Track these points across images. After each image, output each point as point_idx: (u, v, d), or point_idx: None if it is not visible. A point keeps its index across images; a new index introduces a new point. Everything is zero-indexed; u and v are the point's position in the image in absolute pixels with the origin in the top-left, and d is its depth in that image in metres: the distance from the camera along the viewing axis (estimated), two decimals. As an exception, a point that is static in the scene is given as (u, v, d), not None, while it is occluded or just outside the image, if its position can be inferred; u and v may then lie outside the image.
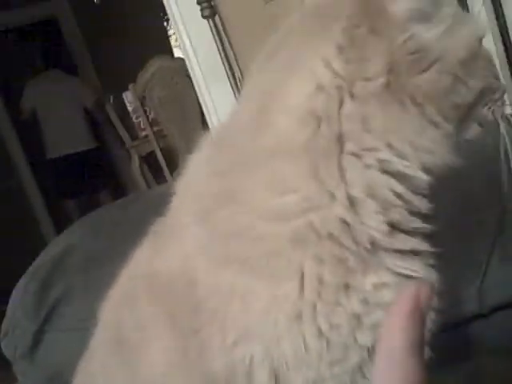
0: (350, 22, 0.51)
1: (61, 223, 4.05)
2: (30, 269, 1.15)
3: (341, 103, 0.50)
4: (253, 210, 0.52)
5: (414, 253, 0.52)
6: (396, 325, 0.40)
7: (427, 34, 0.51)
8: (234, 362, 0.53)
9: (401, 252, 0.52)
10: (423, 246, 0.53)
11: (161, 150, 3.88)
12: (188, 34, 2.01)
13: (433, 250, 0.53)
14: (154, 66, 3.75)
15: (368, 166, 0.50)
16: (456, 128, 0.53)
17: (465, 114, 0.53)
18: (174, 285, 0.58)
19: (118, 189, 5.37)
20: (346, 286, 0.51)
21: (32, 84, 4.80)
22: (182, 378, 0.58)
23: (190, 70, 2.09)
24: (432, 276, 0.53)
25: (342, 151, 0.50)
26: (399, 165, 0.50)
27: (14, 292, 1.13)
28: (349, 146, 0.50)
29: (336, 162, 0.50)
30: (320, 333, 0.51)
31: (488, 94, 0.54)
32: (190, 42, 2.02)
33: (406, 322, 0.39)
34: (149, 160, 4.27)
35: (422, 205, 0.52)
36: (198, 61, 2.03)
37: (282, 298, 0.51)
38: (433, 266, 0.53)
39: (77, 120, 4.93)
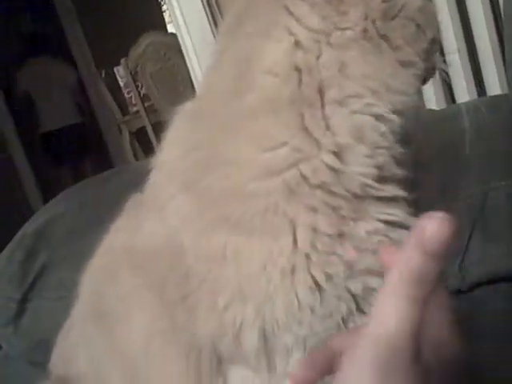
0: None
1: (49, 195, 4.05)
2: (15, 238, 1.15)
3: (319, 53, 0.52)
4: (241, 169, 0.53)
5: (396, 200, 0.54)
6: (396, 263, 0.39)
7: None
8: (223, 325, 0.54)
9: (386, 199, 0.53)
10: (402, 193, 0.54)
11: (152, 125, 3.87)
12: (181, 10, 2.00)
13: (410, 197, 0.55)
14: (147, 40, 3.73)
15: (354, 112, 0.52)
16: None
17: (426, 60, 0.56)
18: (159, 257, 0.58)
19: (108, 164, 5.35)
20: (341, 235, 0.52)
21: (23, 72, 4.94)
22: (168, 344, 0.58)
23: (182, 46, 2.08)
24: (413, 223, 0.54)
25: (324, 99, 0.52)
26: (380, 108, 0.52)
27: (-1, 260, 1.14)
28: (331, 94, 0.51)
29: (320, 110, 0.51)
30: (314, 285, 0.52)
31: (436, 43, 0.58)
32: (183, 17, 2.01)
33: (405, 260, 0.38)
34: (139, 135, 4.26)
35: (398, 149, 0.54)
36: (190, 36, 2.02)
37: (277, 253, 0.52)
38: (411, 214, 0.54)
39: (63, 98, 5.05)
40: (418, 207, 0.54)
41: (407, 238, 0.39)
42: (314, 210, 0.51)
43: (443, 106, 1.64)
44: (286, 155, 0.52)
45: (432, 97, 1.64)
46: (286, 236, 0.52)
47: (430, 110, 1.30)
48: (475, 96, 1.64)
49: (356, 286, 0.52)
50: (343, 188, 0.51)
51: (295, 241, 0.52)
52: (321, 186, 0.51)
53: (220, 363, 0.56)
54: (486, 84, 1.63)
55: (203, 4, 1.96)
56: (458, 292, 0.79)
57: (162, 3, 5.42)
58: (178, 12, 2.01)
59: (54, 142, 5.03)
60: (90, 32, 5.47)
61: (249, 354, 0.54)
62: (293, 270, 0.51)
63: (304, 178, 0.51)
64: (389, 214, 0.53)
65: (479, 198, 0.82)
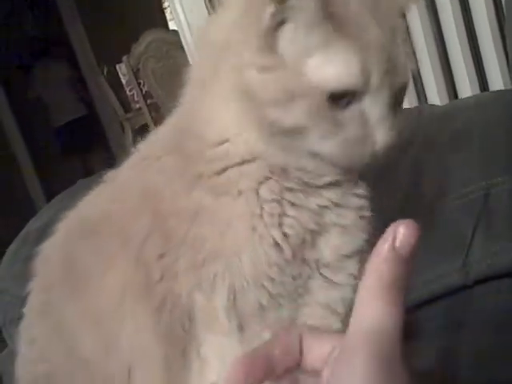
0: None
1: (50, 191, 4.06)
2: (20, 235, 1.16)
3: None
4: (204, 141, 0.60)
5: (338, 184, 0.59)
6: (370, 269, 0.42)
7: None
8: (199, 281, 0.57)
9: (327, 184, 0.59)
10: (342, 177, 0.59)
11: (154, 122, 3.87)
12: (182, 7, 2.00)
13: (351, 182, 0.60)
14: (149, 38, 3.73)
15: None
16: None
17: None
18: (137, 217, 0.61)
19: (111, 161, 5.35)
20: (291, 203, 0.58)
21: (34, 78, 5.25)
22: (139, 301, 0.60)
23: (183, 43, 2.08)
24: (356, 202, 0.60)
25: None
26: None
27: (3, 258, 1.14)
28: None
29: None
30: (274, 244, 0.57)
31: None
32: (184, 14, 2.01)
33: (379, 266, 0.41)
34: (142, 133, 4.26)
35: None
36: (191, 34, 2.02)
37: (238, 212, 0.57)
38: (356, 195, 0.61)
39: (67, 95, 5.30)
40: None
41: (379, 243, 0.42)
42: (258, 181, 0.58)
43: (446, 101, 1.64)
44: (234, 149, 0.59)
45: (435, 93, 1.64)
46: (242, 199, 0.57)
47: (433, 105, 1.30)
48: (478, 92, 1.64)
49: (314, 255, 0.58)
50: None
51: (248, 203, 0.57)
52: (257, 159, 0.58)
53: (193, 326, 0.58)
54: (488, 80, 1.63)
55: (205, 1, 1.96)
56: (462, 288, 0.79)
57: (163, 0, 5.42)
58: (179, 9, 2.01)
59: (64, 135, 5.28)
60: (92, 29, 5.47)
61: (220, 313, 0.57)
62: (254, 228, 0.57)
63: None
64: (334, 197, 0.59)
65: (482, 194, 0.82)
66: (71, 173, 4.86)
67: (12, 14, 5.18)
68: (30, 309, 0.74)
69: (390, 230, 0.42)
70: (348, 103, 0.53)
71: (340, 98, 0.53)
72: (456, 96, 1.67)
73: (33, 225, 1.17)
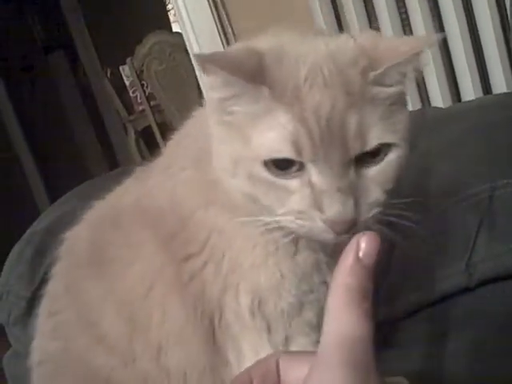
0: None
1: (54, 193, 4.08)
2: (25, 236, 1.16)
3: None
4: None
5: None
6: (337, 281, 0.45)
7: None
8: (226, 287, 0.62)
9: None
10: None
11: (157, 124, 3.87)
12: (186, 9, 2.01)
13: None
14: (152, 40, 3.74)
15: None
16: None
17: None
18: (165, 217, 0.66)
19: (114, 163, 5.36)
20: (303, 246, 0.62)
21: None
22: (170, 294, 0.66)
23: (187, 45, 2.09)
24: None
25: None
26: None
27: (8, 258, 1.14)
28: None
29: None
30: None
31: None
32: (188, 16, 2.01)
33: (346, 278, 0.44)
34: (145, 135, 4.26)
35: None
36: (195, 36, 2.03)
37: (253, 242, 0.62)
38: None
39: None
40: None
41: (343, 256, 0.46)
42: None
43: (449, 104, 1.64)
44: None
45: (438, 95, 1.64)
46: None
47: (436, 108, 1.31)
48: (481, 94, 1.64)
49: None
50: None
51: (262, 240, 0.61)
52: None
53: (226, 322, 0.64)
54: (491, 83, 1.64)
55: (209, 3, 1.97)
56: (465, 290, 0.80)
57: (167, 2, 5.42)
58: (183, 11, 2.02)
59: None
60: (96, 31, 5.47)
61: (247, 315, 0.62)
62: (268, 255, 0.61)
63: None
64: None
65: (486, 196, 0.82)
66: (74, 174, 4.87)
67: (17, 17, 5.19)
68: (54, 288, 0.79)
69: (352, 243, 0.45)
70: (297, 171, 0.53)
71: (287, 167, 0.53)
72: (459, 99, 1.68)
73: (37, 226, 1.17)
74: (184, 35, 2.09)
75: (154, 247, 0.66)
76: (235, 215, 0.59)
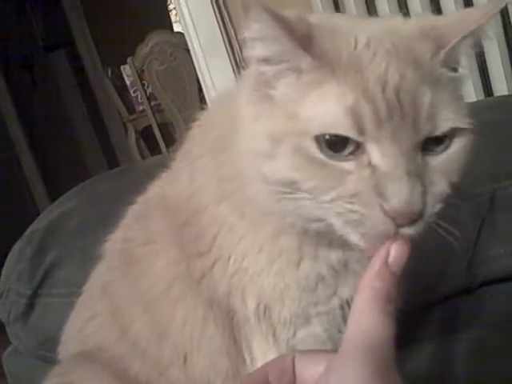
0: None
1: (54, 193, 4.09)
2: (25, 234, 1.16)
3: None
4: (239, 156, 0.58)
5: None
6: (365, 284, 0.46)
7: None
8: (232, 289, 0.63)
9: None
10: None
11: (158, 124, 3.87)
12: (188, 9, 2.00)
13: None
14: (153, 40, 3.72)
15: None
16: None
17: None
18: (182, 208, 0.66)
19: (114, 162, 5.36)
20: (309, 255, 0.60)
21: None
22: (188, 290, 0.66)
23: (189, 45, 2.09)
24: None
25: None
26: None
27: (8, 257, 1.14)
28: None
29: None
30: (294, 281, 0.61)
31: None
32: (190, 16, 2.01)
33: (374, 281, 0.46)
34: (145, 134, 4.26)
35: None
36: (197, 36, 2.03)
37: (259, 243, 0.60)
38: None
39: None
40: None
41: (373, 260, 0.47)
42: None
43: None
44: None
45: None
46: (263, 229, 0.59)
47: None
48: (482, 96, 1.64)
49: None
50: None
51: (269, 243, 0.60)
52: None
53: (238, 322, 0.64)
54: (492, 84, 1.64)
55: (211, 3, 1.96)
56: (467, 291, 0.80)
57: (169, 2, 5.42)
58: (185, 11, 2.02)
59: None
60: (97, 30, 5.47)
61: (250, 315, 0.62)
62: (273, 262, 0.60)
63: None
64: None
65: (487, 197, 0.82)
66: (74, 174, 4.88)
67: (18, 16, 5.19)
68: (94, 286, 0.80)
69: (383, 248, 0.46)
70: (351, 153, 0.46)
71: (341, 147, 0.46)
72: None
73: (38, 224, 1.17)
74: (185, 35, 2.09)
75: (172, 238, 0.67)
76: (251, 209, 0.59)
